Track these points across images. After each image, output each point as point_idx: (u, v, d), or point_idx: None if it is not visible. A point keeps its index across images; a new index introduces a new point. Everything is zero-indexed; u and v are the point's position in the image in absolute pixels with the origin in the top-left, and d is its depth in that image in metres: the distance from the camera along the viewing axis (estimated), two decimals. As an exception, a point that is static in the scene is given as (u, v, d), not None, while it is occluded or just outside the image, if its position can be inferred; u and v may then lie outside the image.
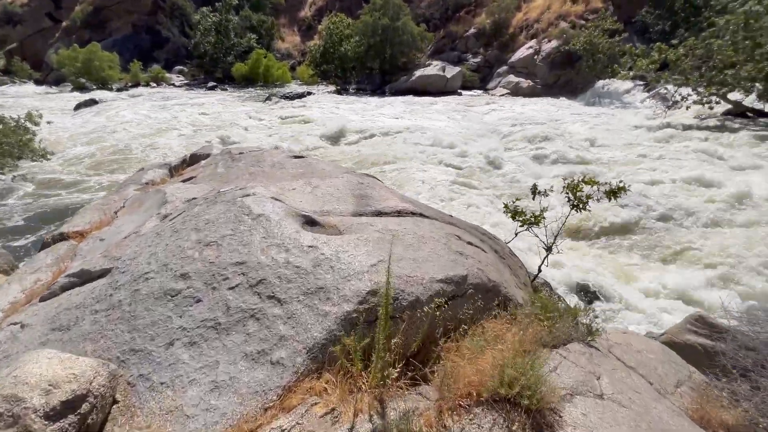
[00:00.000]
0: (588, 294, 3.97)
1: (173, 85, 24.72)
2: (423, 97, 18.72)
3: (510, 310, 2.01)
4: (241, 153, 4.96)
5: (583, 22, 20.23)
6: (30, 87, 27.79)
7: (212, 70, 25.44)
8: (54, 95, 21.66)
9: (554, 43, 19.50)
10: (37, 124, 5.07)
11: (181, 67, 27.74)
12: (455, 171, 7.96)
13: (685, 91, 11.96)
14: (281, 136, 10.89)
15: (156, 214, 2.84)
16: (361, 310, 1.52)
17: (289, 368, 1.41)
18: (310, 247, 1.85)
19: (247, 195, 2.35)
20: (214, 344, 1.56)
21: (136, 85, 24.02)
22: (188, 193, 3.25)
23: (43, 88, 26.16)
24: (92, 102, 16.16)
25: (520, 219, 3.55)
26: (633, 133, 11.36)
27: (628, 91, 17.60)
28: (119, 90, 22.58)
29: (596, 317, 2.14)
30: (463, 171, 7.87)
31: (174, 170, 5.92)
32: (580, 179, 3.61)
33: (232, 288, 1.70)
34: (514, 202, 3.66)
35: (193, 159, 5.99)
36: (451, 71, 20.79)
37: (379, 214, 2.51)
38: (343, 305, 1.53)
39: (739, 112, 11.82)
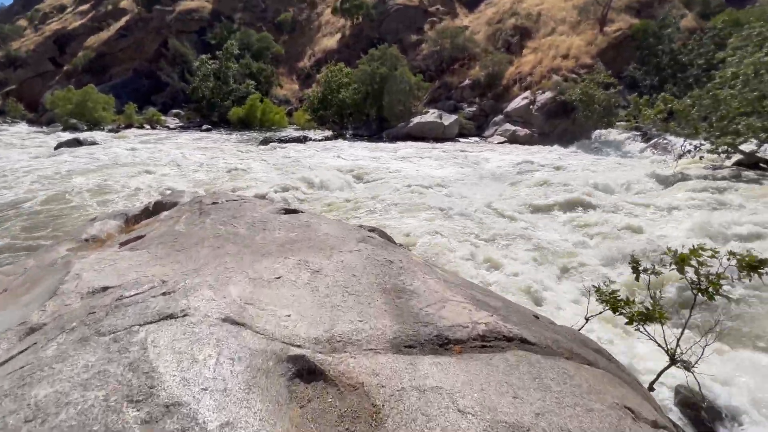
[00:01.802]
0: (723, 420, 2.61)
1: (167, 127, 23.98)
2: (421, 143, 18.12)
3: None
4: (215, 203, 3.68)
5: (574, 75, 20.42)
6: (20, 127, 26.85)
7: (208, 114, 24.92)
8: (41, 135, 20.58)
9: (549, 94, 19.46)
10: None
11: (177, 110, 27.25)
12: (467, 222, 6.77)
13: (690, 142, 11.39)
14: (270, 180, 9.74)
15: (16, 328, 1.48)
16: None
17: None
18: None
19: (170, 317, 1.05)
20: None
21: (129, 126, 23.19)
22: (105, 274, 1.93)
23: (34, 128, 25.23)
24: (75, 142, 15.03)
25: (627, 312, 2.26)
26: (649, 182, 10.56)
27: (625, 141, 17.29)
28: (111, 131, 21.66)
29: None
30: (475, 222, 6.69)
31: (130, 222, 4.59)
32: (695, 247, 2.40)
33: None
34: (608, 285, 2.40)
35: (157, 208, 4.69)
36: (448, 119, 20.49)
37: (445, 342, 1.22)
38: None
39: (751, 162, 11.17)
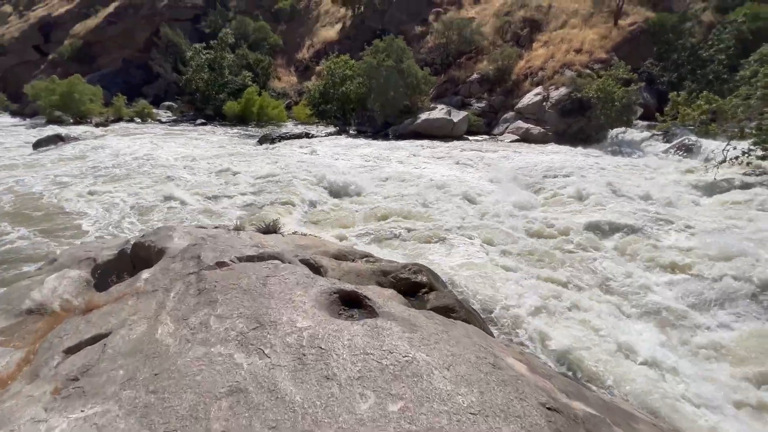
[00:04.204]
0: None
1: (159, 120, 22.28)
2: (431, 141, 16.81)
3: None
4: (220, 264, 2.40)
5: (588, 71, 19.17)
6: (3, 119, 24.94)
7: (202, 107, 23.23)
8: (22, 128, 18.81)
9: (563, 90, 18.20)
10: None
11: (170, 103, 25.49)
12: (518, 253, 5.57)
13: (733, 145, 10.24)
14: (275, 189, 8.41)
15: None
16: None
17: None
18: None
19: None
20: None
21: (118, 120, 21.46)
22: None
23: (16, 120, 23.41)
24: (57, 138, 13.45)
25: None
26: (688, 190, 9.45)
27: (643, 142, 16.17)
28: (98, 125, 19.95)
29: None
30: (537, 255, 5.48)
31: (99, 272, 3.27)
32: None
33: None
34: None
35: (137, 251, 3.37)
36: (457, 115, 19.17)
37: None
38: None
39: (795, 168, 10.10)
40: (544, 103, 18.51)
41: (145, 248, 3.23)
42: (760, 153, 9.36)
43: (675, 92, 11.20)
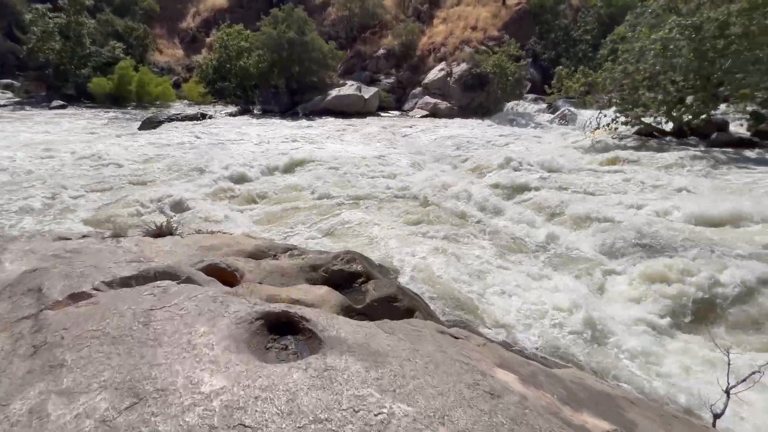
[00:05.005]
0: None
1: (-5, 103, 17.22)
2: (346, 119, 16.15)
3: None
4: (76, 296, 1.64)
5: (484, 47, 20.28)
6: None
7: (59, 85, 18.60)
8: None
9: (464, 66, 18.98)
10: None
11: (9, 81, 19.89)
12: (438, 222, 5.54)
13: (604, 113, 11.85)
14: (160, 179, 7.03)
15: None
16: None
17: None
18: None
19: None
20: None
21: (-74, 103, 15.96)
22: None
23: None
24: None
25: None
26: (575, 153, 10.64)
27: (535, 114, 17.90)
28: None
29: None
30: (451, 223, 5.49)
31: None
32: None
33: None
34: None
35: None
36: (368, 92, 18.73)
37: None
38: None
39: (646, 132, 12.15)
40: (448, 79, 19.12)
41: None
42: (623, 119, 10.91)
43: (560, 67, 12.39)
